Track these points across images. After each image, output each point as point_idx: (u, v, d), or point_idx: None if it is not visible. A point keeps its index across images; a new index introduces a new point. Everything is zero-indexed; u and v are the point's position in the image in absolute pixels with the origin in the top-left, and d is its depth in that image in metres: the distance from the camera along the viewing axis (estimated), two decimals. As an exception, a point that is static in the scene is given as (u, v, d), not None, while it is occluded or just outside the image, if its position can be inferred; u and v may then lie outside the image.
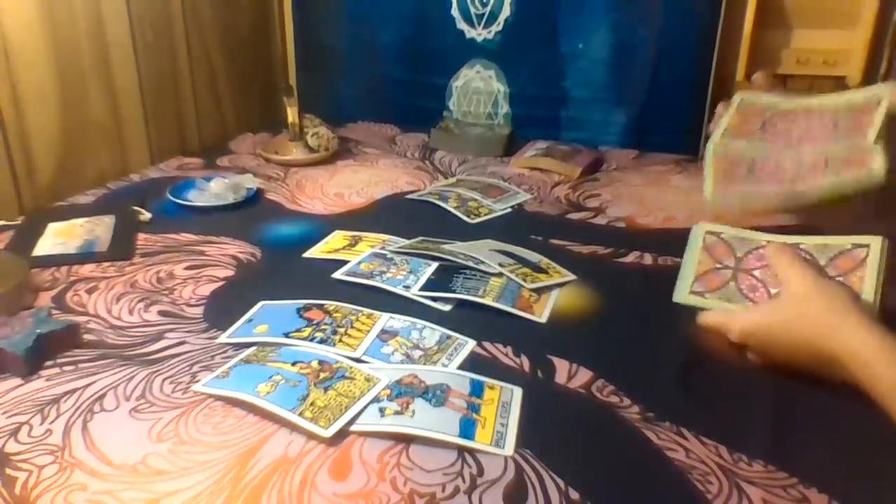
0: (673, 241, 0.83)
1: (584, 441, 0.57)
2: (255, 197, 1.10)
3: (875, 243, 0.65)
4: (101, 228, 0.95)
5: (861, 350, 0.55)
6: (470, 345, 0.69)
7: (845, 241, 0.67)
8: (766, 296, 0.69)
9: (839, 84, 1.22)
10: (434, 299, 0.77)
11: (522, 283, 0.79)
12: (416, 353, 0.67)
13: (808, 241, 0.69)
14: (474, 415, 0.58)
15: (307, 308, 0.74)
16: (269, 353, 0.66)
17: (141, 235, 0.94)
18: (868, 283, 0.63)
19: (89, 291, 0.79)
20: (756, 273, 0.71)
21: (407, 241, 0.91)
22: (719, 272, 0.73)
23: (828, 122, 0.71)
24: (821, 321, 0.59)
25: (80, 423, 0.57)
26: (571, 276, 0.83)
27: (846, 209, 0.70)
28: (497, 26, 1.41)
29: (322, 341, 0.68)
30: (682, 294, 0.74)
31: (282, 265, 0.88)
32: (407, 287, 0.79)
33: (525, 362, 0.67)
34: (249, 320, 0.73)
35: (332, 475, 0.52)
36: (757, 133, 0.75)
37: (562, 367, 0.66)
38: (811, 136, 0.71)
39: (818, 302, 0.60)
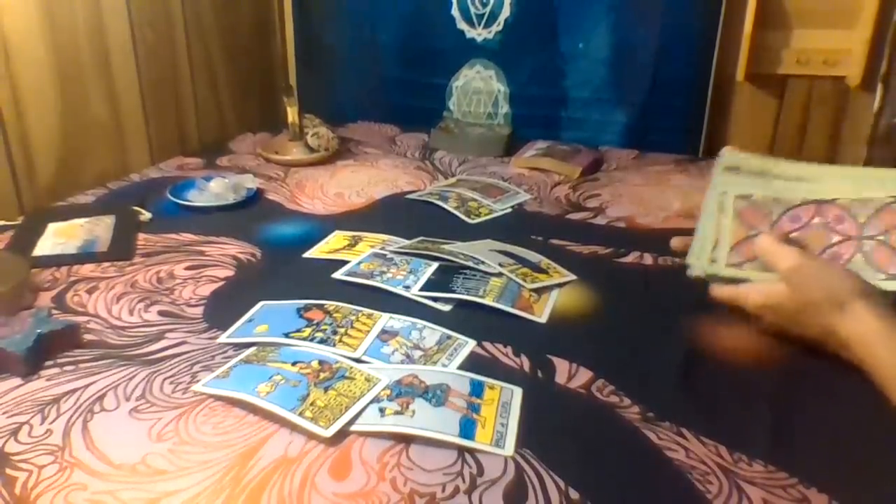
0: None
1: (584, 441, 0.57)
2: (255, 197, 1.10)
3: None
4: (101, 228, 0.95)
5: (866, 334, 0.57)
6: (470, 345, 0.69)
7: (885, 194, 0.64)
8: None
9: (839, 84, 1.22)
10: (434, 299, 0.77)
11: (522, 283, 0.79)
12: (416, 353, 0.67)
13: (844, 197, 0.66)
14: (474, 415, 0.58)
15: (307, 308, 0.74)
16: (269, 354, 0.66)
17: (141, 235, 0.94)
18: None
19: (89, 291, 0.79)
20: (793, 236, 0.67)
21: (407, 242, 0.91)
22: (754, 240, 0.68)
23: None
24: (829, 303, 0.60)
25: (81, 423, 0.57)
26: (571, 277, 0.83)
27: None
28: (497, 26, 1.41)
29: (322, 341, 0.68)
30: (719, 267, 0.69)
31: (282, 265, 0.88)
32: (407, 287, 0.79)
33: (525, 362, 0.67)
34: (249, 320, 0.73)
35: (332, 475, 0.52)
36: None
37: (562, 367, 0.66)
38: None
39: (827, 283, 0.61)
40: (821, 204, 0.67)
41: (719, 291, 0.69)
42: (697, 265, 0.70)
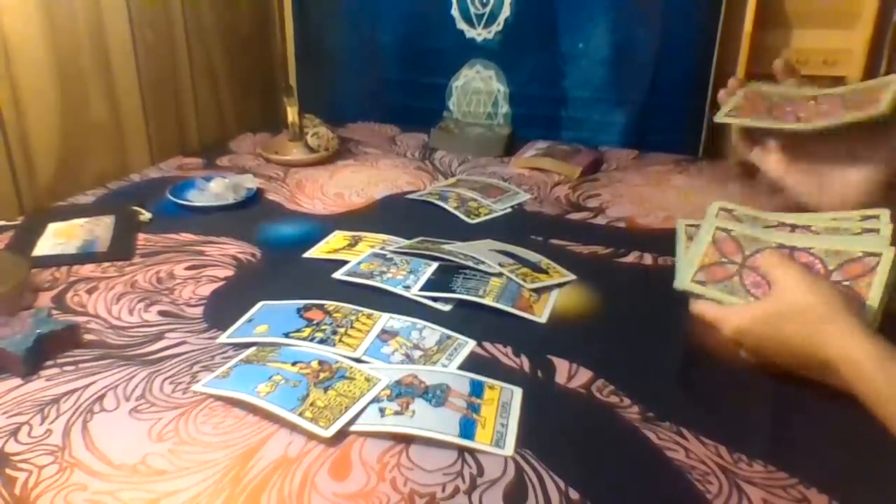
0: (673, 241, 0.83)
1: (584, 441, 0.57)
2: (255, 197, 1.10)
3: (887, 252, 0.64)
4: (101, 228, 0.95)
5: (852, 355, 0.54)
6: (470, 345, 0.69)
7: (857, 248, 0.66)
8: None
9: (839, 84, 1.22)
10: (434, 299, 0.77)
11: (522, 283, 0.79)
12: (416, 354, 0.67)
13: (818, 246, 0.68)
14: (474, 415, 0.58)
15: (307, 308, 0.74)
16: (269, 354, 0.66)
17: (141, 235, 0.94)
18: (875, 291, 0.62)
19: (89, 291, 0.79)
20: (762, 271, 0.68)
21: (407, 242, 0.91)
22: (725, 266, 0.71)
23: (836, 100, 0.74)
24: (813, 325, 0.58)
25: (80, 424, 0.57)
26: (571, 276, 0.83)
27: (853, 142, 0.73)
28: (497, 26, 1.41)
29: (322, 341, 0.68)
30: (685, 281, 0.71)
31: (282, 265, 0.88)
32: (407, 287, 0.79)
33: (525, 362, 0.67)
34: (249, 320, 0.73)
35: (332, 475, 0.52)
36: (763, 113, 0.78)
37: (562, 367, 0.66)
38: (820, 113, 0.74)
39: (812, 305, 0.59)
40: (795, 250, 0.69)
41: (700, 309, 0.67)
42: (678, 279, 0.72)
